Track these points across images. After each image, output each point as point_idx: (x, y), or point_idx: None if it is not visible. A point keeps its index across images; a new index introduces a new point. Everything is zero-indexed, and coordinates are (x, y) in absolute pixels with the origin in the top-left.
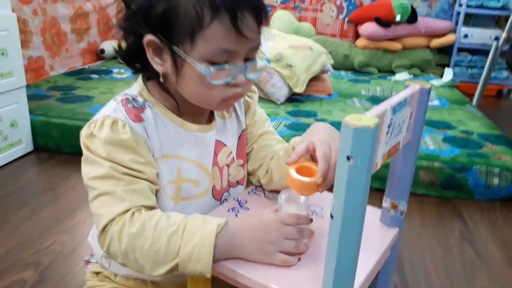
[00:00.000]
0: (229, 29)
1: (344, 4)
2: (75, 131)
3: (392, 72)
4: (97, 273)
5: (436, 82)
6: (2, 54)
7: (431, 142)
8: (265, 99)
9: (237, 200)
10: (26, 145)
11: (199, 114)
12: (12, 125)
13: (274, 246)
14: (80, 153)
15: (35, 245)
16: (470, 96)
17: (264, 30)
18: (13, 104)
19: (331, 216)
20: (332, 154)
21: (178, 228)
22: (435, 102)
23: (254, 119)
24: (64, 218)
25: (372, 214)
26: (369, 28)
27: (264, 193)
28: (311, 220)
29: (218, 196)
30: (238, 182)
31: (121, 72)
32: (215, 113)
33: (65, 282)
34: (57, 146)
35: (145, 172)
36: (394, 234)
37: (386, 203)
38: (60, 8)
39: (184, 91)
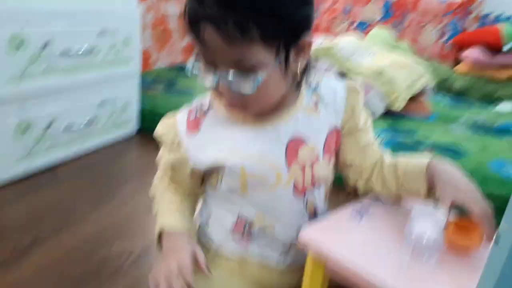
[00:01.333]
0: (195, 39)
1: (447, 28)
2: None
3: (494, 101)
4: (202, 246)
5: None
6: (125, 43)
7: None
8: None
9: (360, 207)
10: (132, 128)
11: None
12: (124, 108)
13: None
14: None
15: (141, 218)
16: None
17: (253, 44)
18: (127, 89)
19: (496, 241)
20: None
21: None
22: None
23: (358, 124)
24: None
25: None
26: (474, 53)
27: (388, 203)
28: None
29: (301, 194)
30: (322, 182)
31: None
32: (302, 107)
33: None
34: None
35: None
36: None
37: None
38: (171, 6)
39: None
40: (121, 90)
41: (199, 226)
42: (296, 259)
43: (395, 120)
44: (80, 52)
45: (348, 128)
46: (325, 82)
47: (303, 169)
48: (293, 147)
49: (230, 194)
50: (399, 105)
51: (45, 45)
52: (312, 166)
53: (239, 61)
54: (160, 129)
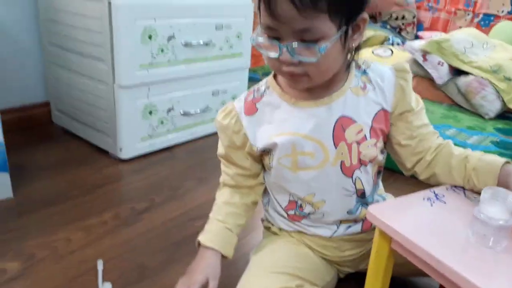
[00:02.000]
0: (265, 8)
1: None
2: None
3: None
4: (268, 228)
5: None
6: (238, 37)
7: None
8: (471, 111)
9: (434, 192)
10: None
11: (316, 89)
12: (233, 99)
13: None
14: None
15: None
16: None
17: (333, 17)
18: (237, 81)
19: None
20: None
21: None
22: None
23: (410, 105)
24: None
25: None
26: None
27: (464, 192)
28: None
29: (349, 173)
30: (370, 161)
31: None
32: (351, 88)
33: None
34: None
35: (234, 159)
36: None
37: None
38: None
39: None
40: (231, 82)
41: (264, 211)
42: (347, 233)
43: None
44: (200, 44)
45: (400, 109)
46: (374, 65)
47: (349, 148)
48: (340, 127)
49: (282, 176)
50: None
51: (170, 38)
52: (358, 145)
53: (305, 30)
54: (221, 116)
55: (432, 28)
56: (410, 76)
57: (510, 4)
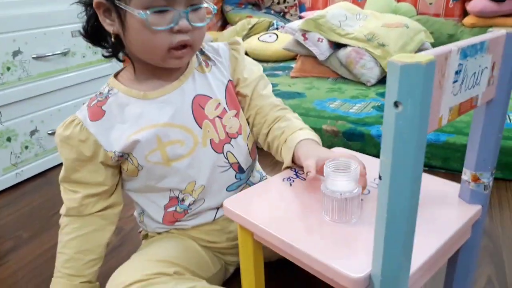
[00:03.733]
0: None
1: None
2: None
3: None
4: (146, 236)
5: None
6: None
7: None
8: (354, 81)
9: (294, 170)
10: None
11: (162, 75)
12: None
13: None
14: None
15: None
16: None
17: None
18: None
19: (379, 177)
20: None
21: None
22: None
23: (241, 74)
24: None
25: (451, 188)
26: (479, 3)
27: None
28: None
29: (219, 149)
30: (238, 133)
31: None
32: (195, 70)
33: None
34: None
35: (82, 177)
36: (474, 211)
37: (465, 175)
38: None
39: (133, 45)
40: None
41: (139, 223)
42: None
43: None
44: (56, 54)
45: (235, 77)
46: (208, 45)
47: (214, 124)
48: (198, 106)
49: (156, 174)
50: None
51: (16, 53)
52: (221, 119)
53: None
54: (61, 129)
55: (313, 7)
56: (241, 47)
57: None
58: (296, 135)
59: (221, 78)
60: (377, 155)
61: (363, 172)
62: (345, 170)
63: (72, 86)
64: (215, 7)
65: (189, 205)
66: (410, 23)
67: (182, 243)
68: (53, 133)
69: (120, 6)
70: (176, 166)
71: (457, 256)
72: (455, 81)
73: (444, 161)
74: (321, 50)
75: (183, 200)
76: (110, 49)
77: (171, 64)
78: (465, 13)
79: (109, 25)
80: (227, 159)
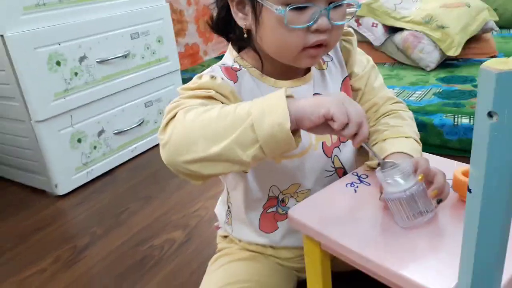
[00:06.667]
0: None
1: None
2: None
3: None
4: (225, 237)
5: None
6: (159, 41)
7: None
8: (413, 66)
9: (357, 175)
10: None
11: (288, 72)
12: None
13: (329, 100)
14: None
15: (184, 210)
16: None
17: None
18: (170, 86)
19: (469, 190)
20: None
21: (243, 102)
22: None
23: (356, 69)
24: (212, 186)
25: None
26: None
27: None
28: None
29: (329, 152)
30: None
31: None
32: (312, 67)
33: (207, 242)
34: None
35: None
36: None
37: None
38: None
39: (264, 43)
40: (164, 88)
41: (225, 224)
42: None
43: (454, 68)
44: (117, 58)
45: (350, 73)
46: None
47: None
48: None
49: (262, 167)
50: (455, 50)
51: (82, 58)
52: None
53: None
54: (196, 84)
55: None
56: (354, 38)
57: None
58: (397, 142)
59: (336, 75)
60: (440, 146)
61: (443, 183)
62: (395, 169)
63: (133, 87)
64: (359, 2)
65: (291, 204)
66: (471, 1)
67: (256, 263)
68: (118, 133)
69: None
70: (284, 164)
71: None
72: None
73: None
74: (376, 36)
75: (283, 201)
76: (236, 42)
77: (303, 63)
78: None
79: (242, 19)
80: (333, 163)
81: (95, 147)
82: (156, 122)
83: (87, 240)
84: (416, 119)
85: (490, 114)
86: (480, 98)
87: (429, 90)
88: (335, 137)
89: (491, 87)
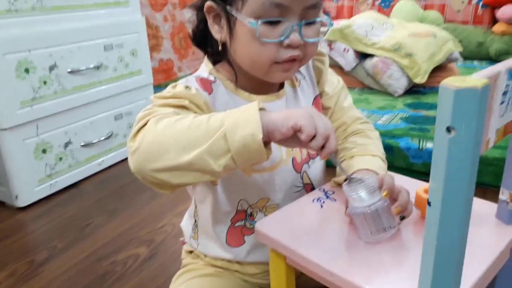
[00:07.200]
0: None
1: None
2: None
3: None
4: (190, 252)
5: None
6: (133, 54)
7: None
8: (381, 91)
9: (324, 191)
10: None
11: (262, 87)
12: None
13: (298, 113)
14: None
15: (151, 225)
16: None
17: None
18: (142, 100)
19: (428, 203)
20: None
21: (216, 113)
22: None
23: (326, 88)
24: (180, 202)
25: (486, 208)
26: (509, 10)
27: None
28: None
29: (298, 168)
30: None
31: None
32: (285, 83)
33: (173, 258)
34: None
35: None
36: None
37: (503, 195)
38: (187, 13)
39: (238, 56)
40: (135, 102)
41: (190, 238)
42: None
43: (420, 94)
44: (89, 68)
45: (320, 92)
46: None
47: None
48: None
49: (231, 180)
50: (422, 78)
51: (52, 67)
52: None
53: (314, 6)
54: (175, 88)
55: (338, 16)
56: (326, 58)
57: None
58: (364, 159)
59: (309, 92)
60: (406, 168)
61: (407, 200)
62: (360, 184)
63: (104, 99)
64: (332, 21)
65: (259, 218)
66: (438, 32)
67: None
68: (86, 145)
69: (231, 12)
70: (255, 177)
71: (494, 281)
72: (502, 103)
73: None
74: (347, 61)
75: (251, 215)
76: (212, 55)
77: (276, 77)
78: (494, 20)
79: (217, 32)
80: (302, 179)
81: (60, 159)
82: (125, 136)
83: (46, 254)
84: (383, 142)
85: (448, 129)
86: (440, 114)
87: (397, 115)
88: (305, 153)
89: (449, 103)
